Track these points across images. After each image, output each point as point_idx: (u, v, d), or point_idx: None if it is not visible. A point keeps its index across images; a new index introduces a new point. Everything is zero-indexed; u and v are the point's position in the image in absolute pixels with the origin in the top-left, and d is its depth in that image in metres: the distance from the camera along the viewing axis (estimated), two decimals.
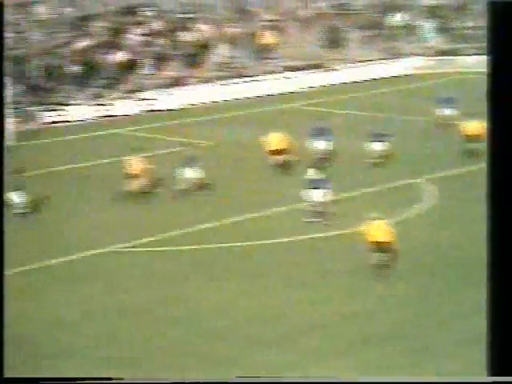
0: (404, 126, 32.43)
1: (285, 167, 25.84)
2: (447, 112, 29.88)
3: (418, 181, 25.28)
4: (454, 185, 24.99)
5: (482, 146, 25.20)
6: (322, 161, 25.34)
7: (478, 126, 25.86)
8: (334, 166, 26.06)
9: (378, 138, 26.69)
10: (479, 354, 11.52)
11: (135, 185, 23.97)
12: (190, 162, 24.53)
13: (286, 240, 20.92)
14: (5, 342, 15.46)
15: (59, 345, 15.92)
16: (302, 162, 26.43)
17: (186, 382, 12.12)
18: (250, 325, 16.61)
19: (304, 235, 21.11)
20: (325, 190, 21.81)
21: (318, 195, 21.76)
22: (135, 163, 24.15)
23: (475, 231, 18.37)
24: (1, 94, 11.55)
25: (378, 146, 26.56)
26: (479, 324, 12.06)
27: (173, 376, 13.84)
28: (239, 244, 20.79)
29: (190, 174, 24.28)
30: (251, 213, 22.89)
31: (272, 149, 25.64)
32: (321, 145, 26.49)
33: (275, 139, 25.80)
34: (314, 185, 21.96)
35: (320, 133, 26.71)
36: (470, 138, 26.44)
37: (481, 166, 25.86)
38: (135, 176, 23.97)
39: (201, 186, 24.45)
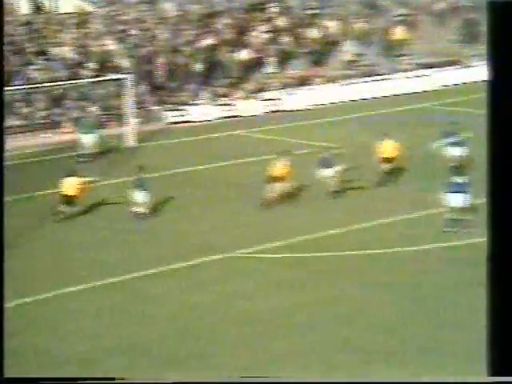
0: None
1: (392, 175, 26.00)
2: None
3: None
4: None
5: None
6: (458, 168, 25.03)
7: None
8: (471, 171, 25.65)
9: None
10: None
11: (279, 188, 24.19)
12: (326, 163, 24.79)
13: (416, 248, 20.84)
14: (128, 346, 16.42)
15: (172, 352, 16.39)
16: (420, 168, 26.35)
17: (187, 382, 12.39)
18: (373, 336, 16.69)
19: (438, 243, 20.95)
20: (465, 195, 21.58)
21: (457, 200, 21.56)
22: (280, 165, 24.30)
23: None
24: (1, 94, 11.72)
25: None
26: None
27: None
28: (364, 252, 20.87)
29: (328, 175, 24.61)
30: (378, 219, 22.97)
31: (384, 156, 25.93)
32: (455, 151, 26.16)
33: (388, 147, 26.01)
34: (454, 189, 21.78)
35: (455, 138, 26.41)
36: None
37: None
38: (279, 179, 24.16)
39: (339, 188, 24.80)
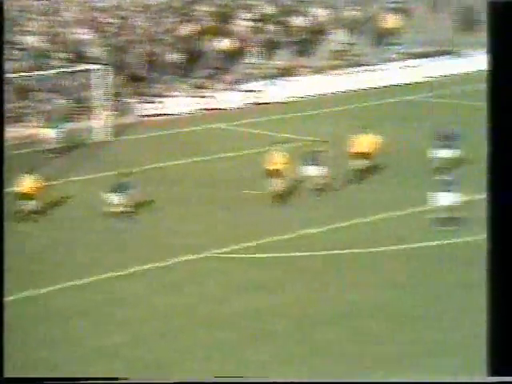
0: None
1: (366, 172, 25.74)
2: None
3: None
4: None
5: None
6: (447, 167, 24.90)
7: None
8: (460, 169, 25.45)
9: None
10: None
11: (278, 184, 23.78)
12: (312, 159, 24.53)
13: (399, 247, 20.80)
14: (97, 348, 16.27)
15: (142, 355, 16.26)
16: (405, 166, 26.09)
17: (188, 382, 12.65)
18: (355, 339, 16.55)
19: (425, 241, 20.91)
20: (454, 193, 21.71)
21: (446, 198, 21.62)
22: (278, 158, 23.87)
23: None
24: (1, 94, 12.24)
25: None
26: None
27: None
28: (347, 251, 20.77)
29: (314, 171, 24.26)
30: (361, 217, 22.87)
31: (358, 151, 25.51)
32: (445, 153, 25.87)
33: (364, 141, 25.59)
34: (443, 187, 21.85)
35: (445, 139, 25.98)
36: None
37: None
38: (277, 173, 23.76)
39: (325, 185, 24.56)
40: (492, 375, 10.84)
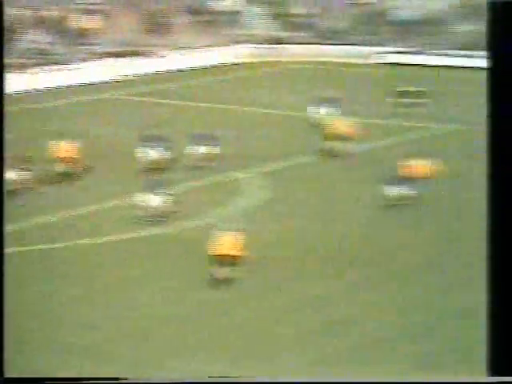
0: (235, 117, 33.55)
1: (72, 176, 25.82)
2: (323, 111, 30.05)
3: (244, 175, 26.02)
4: (284, 178, 25.98)
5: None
6: (156, 170, 25.58)
7: (346, 124, 27.99)
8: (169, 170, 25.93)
9: (203, 141, 26.70)
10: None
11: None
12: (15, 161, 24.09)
13: (101, 241, 21.13)
14: None
15: None
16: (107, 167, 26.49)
17: (188, 382, 12.54)
18: (70, 333, 16.52)
19: (122, 234, 21.44)
20: (160, 193, 22.40)
21: (154, 199, 22.26)
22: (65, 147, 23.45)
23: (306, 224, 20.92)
24: (1, 91, 12.47)
25: (201, 149, 26.61)
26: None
27: None
28: (46, 246, 20.90)
29: (13, 175, 23.92)
30: (65, 211, 23.11)
31: (61, 156, 25.70)
32: (154, 154, 26.13)
33: (64, 147, 25.78)
34: (152, 188, 22.48)
35: (154, 140, 26.47)
36: (335, 136, 27.80)
37: (311, 159, 27.43)
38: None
39: (30, 185, 24.47)
40: (492, 375, 10.80)
